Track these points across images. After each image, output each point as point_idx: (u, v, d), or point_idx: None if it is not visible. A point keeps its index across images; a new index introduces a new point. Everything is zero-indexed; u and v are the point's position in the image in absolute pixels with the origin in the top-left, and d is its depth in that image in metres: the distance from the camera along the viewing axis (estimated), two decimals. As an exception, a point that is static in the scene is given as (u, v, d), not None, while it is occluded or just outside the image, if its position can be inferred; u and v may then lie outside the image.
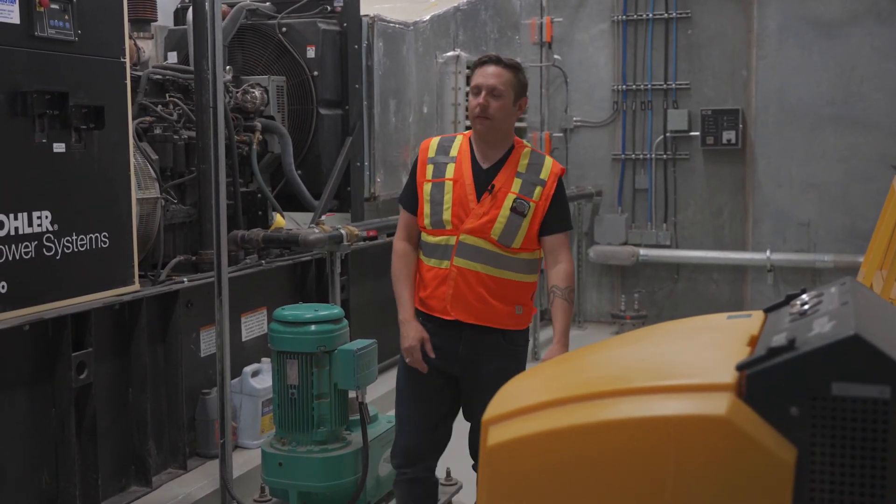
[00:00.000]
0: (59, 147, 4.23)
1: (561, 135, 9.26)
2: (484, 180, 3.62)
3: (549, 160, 3.70)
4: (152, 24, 5.99)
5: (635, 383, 1.92)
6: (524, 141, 3.76)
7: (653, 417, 1.80)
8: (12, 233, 4.01)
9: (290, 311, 4.26)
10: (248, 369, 5.26)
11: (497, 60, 3.57)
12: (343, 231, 5.67)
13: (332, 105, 6.63)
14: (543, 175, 3.64)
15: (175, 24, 6.74)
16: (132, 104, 4.73)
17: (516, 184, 3.60)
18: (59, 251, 4.25)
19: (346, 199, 6.61)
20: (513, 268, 3.66)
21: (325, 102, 6.58)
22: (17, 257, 4.03)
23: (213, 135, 4.53)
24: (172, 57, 6.36)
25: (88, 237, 4.38)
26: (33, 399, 4.08)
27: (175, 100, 5.56)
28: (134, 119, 4.86)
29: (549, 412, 1.92)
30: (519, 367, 3.74)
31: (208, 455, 5.07)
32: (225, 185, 4.53)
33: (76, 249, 4.32)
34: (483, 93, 3.54)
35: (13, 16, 3.99)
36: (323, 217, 6.16)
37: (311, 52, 6.53)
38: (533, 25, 9.01)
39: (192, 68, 5.55)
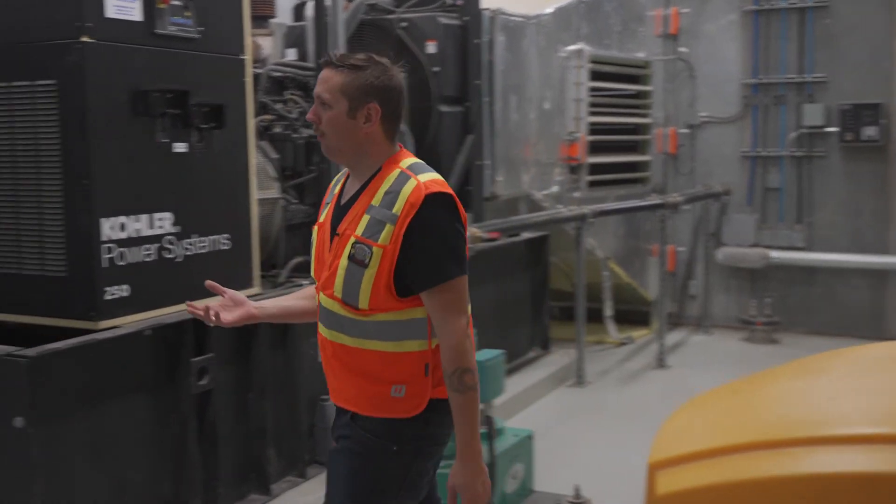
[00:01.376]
0: (179, 147, 4.14)
1: (687, 131, 8.87)
2: (338, 221, 2.65)
3: (409, 184, 2.52)
4: (270, 20, 5.90)
5: (831, 430, 1.64)
6: (405, 160, 2.62)
7: (861, 474, 1.52)
8: (134, 235, 3.93)
9: (414, 319, 4.06)
10: (368, 375, 5.09)
11: (328, 62, 2.62)
12: (465, 233, 5.45)
13: (452, 102, 6.44)
14: (397, 208, 2.51)
15: (294, 21, 6.64)
16: (252, 102, 4.61)
17: (362, 223, 2.56)
18: (181, 253, 4.16)
19: (467, 199, 6.41)
20: (369, 334, 2.58)
21: (445, 99, 6.40)
22: (139, 260, 3.96)
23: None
24: (291, 54, 6.26)
25: (209, 239, 4.28)
26: (154, 405, 4.00)
27: (295, 97, 5.45)
28: (254, 117, 4.76)
29: (728, 460, 1.67)
30: (382, 473, 2.63)
31: (326, 463, 4.92)
32: (346, 186, 4.38)
33: (197, 252, 4.23)
34: (314, 105, 2.64)
35: (135, 13, 3.91)
36: (443, 218, 5.96)
37: (431, 48, 6.35)
38: (658, 17, 8.66)
39: (311, 65, 5.43)
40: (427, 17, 6.39)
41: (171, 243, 4.11)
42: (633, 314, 8.38)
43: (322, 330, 2.67)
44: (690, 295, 8.92)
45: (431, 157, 6.30)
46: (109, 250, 3.82)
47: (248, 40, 4.52)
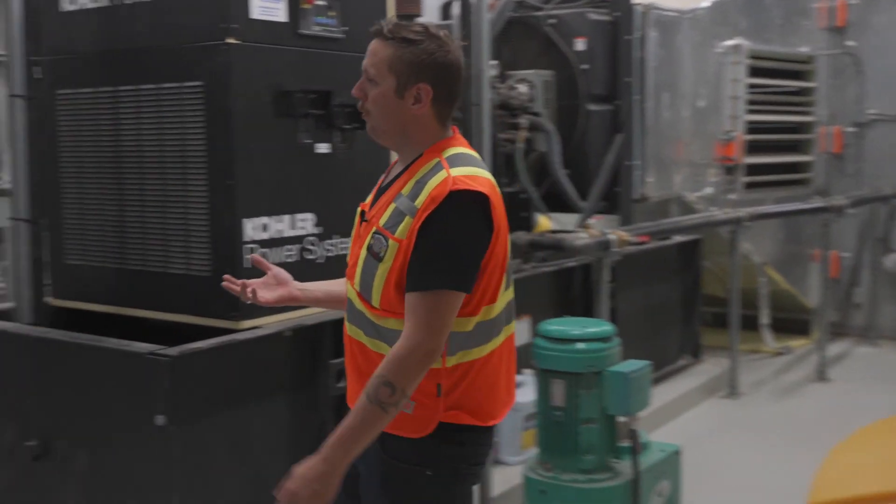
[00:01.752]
0: (322, 147, 4.11)
1: (853, 130, 8.35)
2: (373, 204, 2.44)
3: (438, 176, 2.25)
4: (417, 19, 5.84)
5: None
6: (450, 148, 2.35)
7: None
8: (276, 236, 3.93)
9: (555, 327, 3.92)
10: (510, 381, 4.97)
11: (378, 32, 2.34)
12: (612, 236, 5.27)
13: (601, 100, 6.25)
14: (419, 200, 2.25)
15: (441, 20, 6.58)
16: (396, 102, 4.55)
17: (387, 212, 2.32)
18: (322, 254, 4.14)
19: (615, 201, 6.21)
20: (383, 338, 2.33)
21: (594, 97, 6.22)
22: (281, 260, 3.95)
23: (476, 133, 4.31)
24: (438, 53, 6.19)
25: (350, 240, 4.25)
26: (293, 406, 3.99)
27: (439, 97, 5.38)
28: (398, 118, 4.70)
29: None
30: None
31: (466, 469, 4.83)
32: (489, 187, 4.28)
33: (339, 253, 4.20)
34: (361, 79, 2.38)
35: (280, 13, 3.90)
36: (590, 220, 5.79)
37: (580, 45, 6.17)
38: (823, 9, 8.19)
39: (457, 64, 5.34)
40: (576, 13, 6.22)
41: (312, 244, 4.09)
42: (791, 322, 7.95)
43: (346, 323, 2.47)
44: (855, 303, 8.39)
45: (578, 157, 6.14)
46: (252, 251, 3.83)
47: (392, 39, 4.46)
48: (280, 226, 3.95)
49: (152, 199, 3.98)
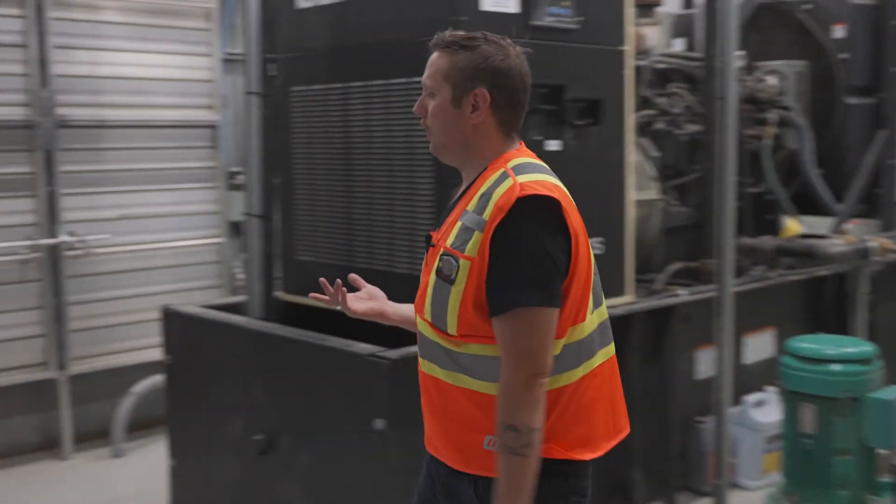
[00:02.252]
0: (553, 144, 3.91)
1: None
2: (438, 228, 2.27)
3: (504, 185, 2.06)
4: (657, 9, 5.52)
5: None
6: (516, 158, 2.17)
7: None
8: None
9: (807, 344, 3.55)
10: (751, 398, 4.64)
11: (434, 43, 2.21)
12: (872, 243, 4.77)
13: (861, 92, 5.70)
14: (487, 213, 2.05)
15: (684, 8, 6.22)
16: (633, 96, 4.29)
17: (454, 231, 2.13)
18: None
19: (875, 204, 5.63)
20: (463, 368, 2.12)
21: (854, 89, 5.68)
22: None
23: (720, 129, 3.99)
24: (678, 44, 5.85)
25: (580, 243, 4.03)
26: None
27: (679, 91, 5.05)
28: (634, 112, 4.43)
29: None
30: None
31: (699, 491, 4.53)
32: (733, 186, 3.98)
33: (567, 255, 3.98)
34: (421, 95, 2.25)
35: (511, 4, 3.73)
36: (846, 224, 5.28)
37: (838, 32, 5.64)
38: None
39: (699, 55, 5.01)
40: (837, -3, 5.69)
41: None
42: None
43: (419, 360, 2.24)
44: None
45: (834, 155, 5.63)
46: (477, 252, 3.68)
47: (629, 30, 4.20)
48: (506, 226, 3.78)
49: (379, 196, 3.92)
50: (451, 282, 2.07)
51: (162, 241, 5.88)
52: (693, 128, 4.94)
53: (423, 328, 2.20)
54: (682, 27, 5.90)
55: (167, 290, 5.74)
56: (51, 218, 5.44)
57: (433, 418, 2.22)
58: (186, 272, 5.98)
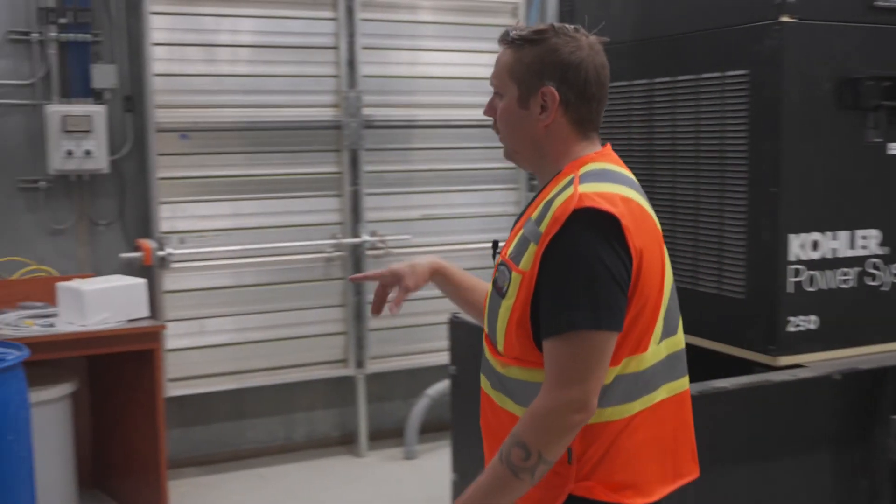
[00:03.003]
0: (895, 148, 3.31)
1: None
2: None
3: (565, 193, 1.86)
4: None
5: None
6: (592, 163, 1.95)
7: None
8: (828, 256, 3.24)
9: None
10: None
11: (502, 38, 2.02)
12: None
13: None
14: (544, 224, 1.87)
15: None
16: None
17: (515, 240, 1.99)
18: (888, 281, 3.35)
19: None
20: (509, 391, 1.99)
21: None
22: (833, 286, 3.25)
23: None
24: None
25: (925, 265, 3.39)
26: (837, 468, 3.26)
27: None
28: None
29: None
30: None
31: None
32: None
33: (909, 279, 3.37)
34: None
35: (850, -17, 3.18)
36: None
37: None
38: None
39: None
40: None
41: (875, 268, 3.32)
42: None
43: (481, 374, 2.12)
44: None
45: None
46: (797, 272, 3.18)
47: None
48: (834, 244, 3.25)
49: (684, 205, 3.51)
50: (503, 295, 1.94)
51: (463, 242, 5.79)
52: None
53: (484, 342, 2.09)
54: None
55: (465, 293, 5.64)
56: (354, 217, 5.51)
57: (488, 437, 2.11)
58: (487, 275, 5.84)
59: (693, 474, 2.06)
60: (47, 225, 5.04)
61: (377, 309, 2.36)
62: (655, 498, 1.95)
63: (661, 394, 1.96)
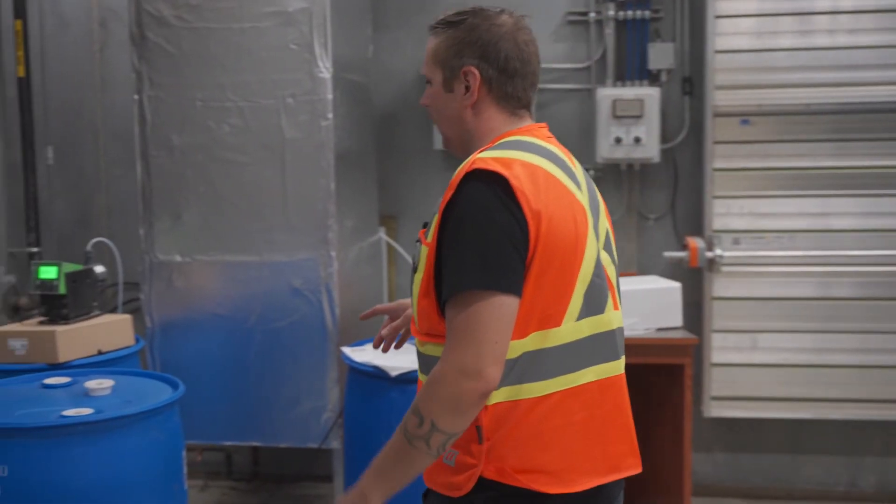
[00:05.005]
0: None
1: None
2: None
3: (465, 162, 1.78)
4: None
5: None
6: (509, 137, 1.86)
7: None
8: None
9: None
10: None
11: (429, 27, 1.95)
12: None
13: None
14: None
15: None
16: None
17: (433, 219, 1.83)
18: None
19: None
20: (426, 372, 1.84)
21: None
22: None
23: None
24: None
25: None
26: None
27: None
28: None
29: None
30: None
31: None
32: None
33: None
34: None
35: None
36: None
37: None
38: None
39: None
40: None
41: None
42: None
43: None
44: None
45: None
46: None
47: None
48: None
49: None
50: (415, 270, 1.87)
51: None
52: None
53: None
54: None
55: None
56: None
57: None
58: None
59: (632, 469, 1.88)
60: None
61: None
62: (577, 489, 1.78)
63: (587, 376, 1.81)
